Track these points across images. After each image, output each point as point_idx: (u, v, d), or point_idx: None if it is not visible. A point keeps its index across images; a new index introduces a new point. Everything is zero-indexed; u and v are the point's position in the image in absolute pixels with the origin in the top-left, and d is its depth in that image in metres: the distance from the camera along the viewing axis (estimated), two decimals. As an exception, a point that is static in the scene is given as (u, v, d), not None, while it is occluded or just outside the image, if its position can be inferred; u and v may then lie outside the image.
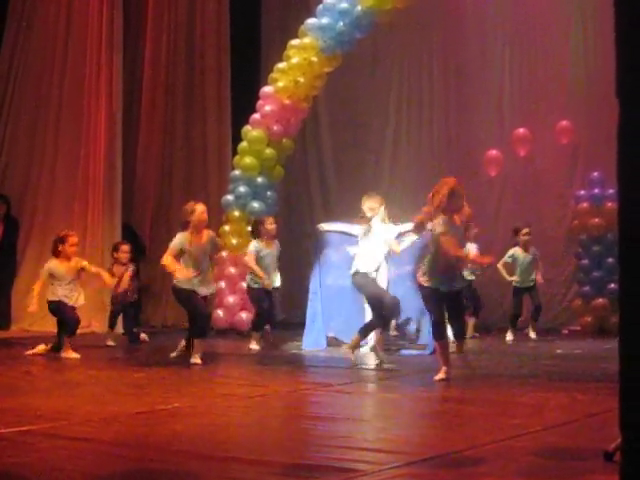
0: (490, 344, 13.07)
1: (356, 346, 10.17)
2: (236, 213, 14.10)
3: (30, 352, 10.89)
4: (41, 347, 10.99)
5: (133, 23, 16.43)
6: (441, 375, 8.55)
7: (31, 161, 15.29)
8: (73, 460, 5.01)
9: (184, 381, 8.81)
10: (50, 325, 14.34)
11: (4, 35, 15.49)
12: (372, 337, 10.61)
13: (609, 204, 14.12)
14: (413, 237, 10.82)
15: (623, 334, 2.97)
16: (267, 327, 12.37)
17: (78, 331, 13.75)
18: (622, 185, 3.00)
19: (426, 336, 10.96)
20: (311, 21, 14.17)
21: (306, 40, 14.12)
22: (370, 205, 10.11)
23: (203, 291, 10.16)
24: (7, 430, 5.72)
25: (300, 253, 15.19)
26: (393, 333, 12.92)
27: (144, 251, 15.76)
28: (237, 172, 14.38)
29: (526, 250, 13.49)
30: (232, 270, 13.87)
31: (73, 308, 11.08)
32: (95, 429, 5.90)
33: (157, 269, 15.69)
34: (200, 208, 10.24)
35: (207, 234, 10.29)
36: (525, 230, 13.51)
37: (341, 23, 13.91)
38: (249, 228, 13.73)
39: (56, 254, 11.13)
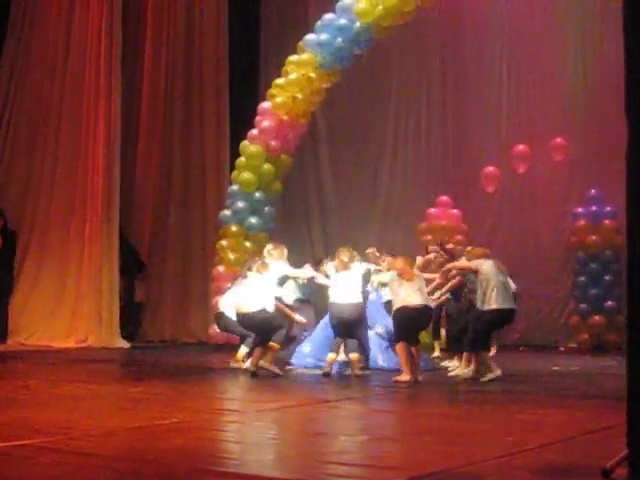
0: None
1: None
2: (234, 228, 14.12)
3: None
4: None
5: (132, 39, 16.49)
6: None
7: (30, 176, 15.31)
8: (72, 474, 5.00)
9: (182, 396, 8.79)
10: (46, 339, 14.41)
11: (4, 48, 15.52)
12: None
13: (607, 221, 14.16)
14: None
15: (631, 353, 2.97)
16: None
17: (75, 345, 13.82)
18: (631, 204, 2.96)
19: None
20: (310, 37, 14.20)
21: (304, 56, 14.15)
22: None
23: None
24: (5, 444, 5.71)
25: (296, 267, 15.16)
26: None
27: (142, 266, 15.76)
28: (235, 187, 14.39)
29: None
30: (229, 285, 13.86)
31: None
32: (94, 443, 5.88)
33: (155, 284, 15.74)
34: None
35: None
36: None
37: (340, 39, 13.95)
38: (247, 243, 13.75)
39: None
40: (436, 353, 12.97)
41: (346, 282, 10.48)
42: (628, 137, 2.92)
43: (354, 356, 10.53)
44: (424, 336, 14.60)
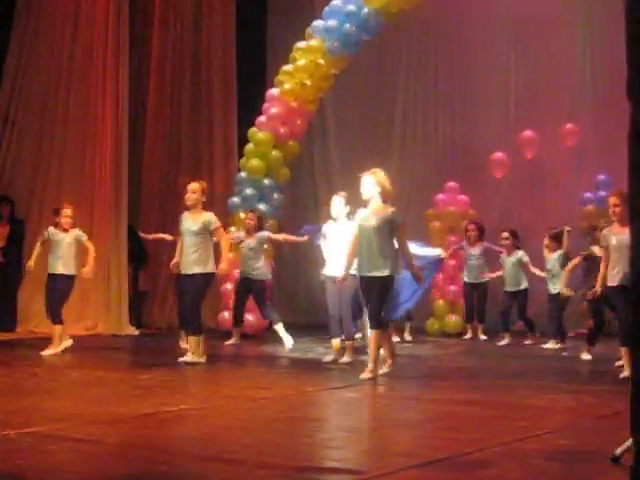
0: (497, 347, 13.07)
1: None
2: (242, 215, 14.10)
3: None
4: None
5: (139, 28, 16.44)
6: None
7: (38, 164, 15.29)
8: (79, 462, 5.00)
9: (190, 383, 8.81)
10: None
11: (10, 39, 15.50)
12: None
13: (615, 207, 14.07)
14: None
15: (635, 338, 2.94)
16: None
17: (84, 332, 13.84)
18: (633, 191, 2.92)
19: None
20: (317, 23, 14.16)
21: (312, 42, 14.11)
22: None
23: None
24: (14, 431, 5.71)
25: (305, 254, 15.16)
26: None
27: (148, 254, 15.75)
28: (243, 174, 14.37)
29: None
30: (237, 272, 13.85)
31: None
32: (101, 431, 5.88)
33: (162, 272, 15.71)
34: None
35: None
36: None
37: (347, 25, 13.90)
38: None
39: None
40: None
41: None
42: (630, 119, 2.89)
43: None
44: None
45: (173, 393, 7.93)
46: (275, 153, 14.29)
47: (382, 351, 9.26)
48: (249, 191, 14.18)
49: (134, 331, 14.36)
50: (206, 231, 10.06)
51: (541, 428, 5.96)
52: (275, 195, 14.44)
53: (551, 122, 15.19)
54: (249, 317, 13.68)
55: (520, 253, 13.54)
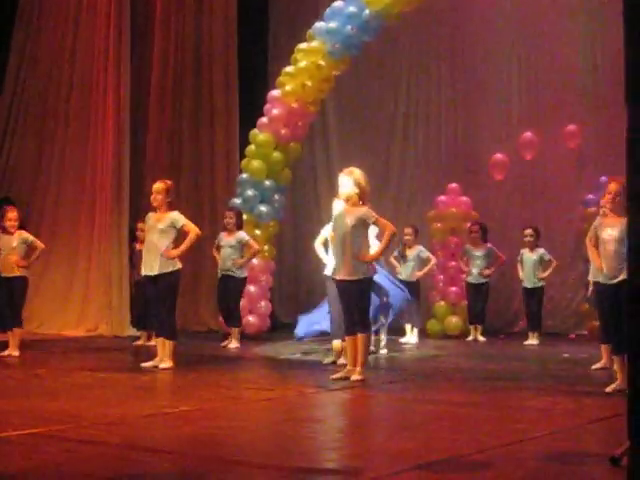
0: (497, 348, 13.09)
1: None
2: (244, 216, 14.10)
3: None
4: None
5: (141, 28, 16.44)
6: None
7: (39, 165, 15.32)
8: (80, 463, 5.02)
9: (191, 384, 8.82)
10: (56, 328, 14.44)
11: (13, 36, 15.54)
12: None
13: (617, 208, 14.08)
14: None
15: (633, 343, 2.94)
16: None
17: (86, 333, 13.90)
18: (632, 189, 2.91)
19: None
20: (319, 25, 14.17)
21: (314, 44, 14.12)
22: None
23: None
24: (15, 433, 5.73)
25: (307, 256, 15.17)
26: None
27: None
28: (245, 176, 14.38)
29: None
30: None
31: None
32: (103, 432, 5.90)
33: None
34: None
35: None
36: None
37: (349, 27, 13.91)
38: (257, 231, 13.78)
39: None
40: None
41: None
42: (627, 122, 2.89)
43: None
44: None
45: (174, 394, 7.96)
46: (276, 154, 14.30)
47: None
48: (250, 192, 14.19)
49: (136, 332, 14.36)
50: (173, 230, 9.82)
51: (540, 430, 5.97)
52: (276, 196, 14.45)
53: (553, 124, 15.18)
54: (250, 318, 13.70)
55: (542, 250, 13.59)
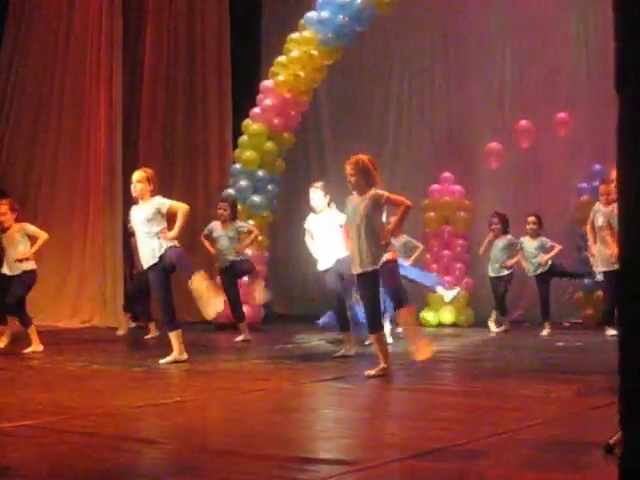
0: (490, 337, 13.11)
1: None
2: (239, 207, 14.10)
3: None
4: None
5: (133, 20, 16.41)
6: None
7: (32, 159, 15.31)
8: (75, 454, 5.01)
9: (185, 375, 8.81)
10: (51, 319, 14.43)
11: (4, 32, 15.49)
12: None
13: (611, 197, 14.08)
14: None
15: (623, 325, 2.93)
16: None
17: (80, 325, 13.89)
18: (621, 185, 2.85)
19: None
20: (311, 14, 14.15)
21: (306, 33, 14.10)
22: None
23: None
24: (9, 424, 5.73)
25: (299, 247, 15.16)
26: None
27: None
28: (238, 166, 14.38)
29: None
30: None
31: None
32: (96, 423, 5.89)
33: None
34: None
35: None
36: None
37: (341, 16, 13.88)
38: (250, 222, 13.74)
39: None
40: None
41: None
42: (618, 113, 2.85)
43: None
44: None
45: (168, 385, 7.95)
46: (269, 145, 14.30)
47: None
48: (243, 182, 14.19)
49: (130, 324, 14.36)
50: (160, 216, 9.47)
51: (535, 418, 5.97)
52: (269, 186, 14.46)
53: (546, 112, 15.18)
54: (243, 308, 13.69)
55: (543, 238, 13.52)
